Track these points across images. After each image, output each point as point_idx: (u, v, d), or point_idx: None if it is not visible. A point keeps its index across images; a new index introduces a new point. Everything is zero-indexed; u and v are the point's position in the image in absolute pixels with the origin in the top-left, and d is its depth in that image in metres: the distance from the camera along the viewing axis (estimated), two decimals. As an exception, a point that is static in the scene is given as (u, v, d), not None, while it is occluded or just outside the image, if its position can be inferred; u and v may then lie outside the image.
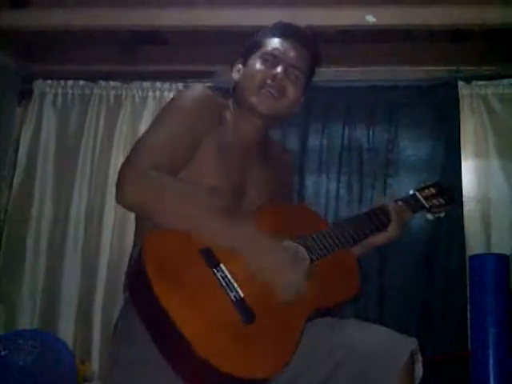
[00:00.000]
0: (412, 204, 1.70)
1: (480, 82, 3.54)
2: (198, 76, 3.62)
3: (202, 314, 1.26)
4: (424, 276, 3.31)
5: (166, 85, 3.74)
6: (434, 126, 3.54)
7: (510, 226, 3.35)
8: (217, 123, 1.54)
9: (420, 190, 1.74)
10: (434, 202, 1.74)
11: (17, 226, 3.67)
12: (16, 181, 3.73)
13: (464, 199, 3.36)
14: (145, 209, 1.38)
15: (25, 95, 3.84)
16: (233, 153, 1.55)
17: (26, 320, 3.47)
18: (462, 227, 3.31)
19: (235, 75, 1.67)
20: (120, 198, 1.38)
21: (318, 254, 1.47)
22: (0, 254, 3.64)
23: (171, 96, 3.33)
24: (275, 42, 1.62)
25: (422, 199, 1.72)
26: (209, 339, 1.22)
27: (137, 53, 3.72)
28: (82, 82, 3.82)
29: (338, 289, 1.47)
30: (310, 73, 1.68)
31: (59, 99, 3.82)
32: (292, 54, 1.61)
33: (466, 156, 3.46)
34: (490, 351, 2.70)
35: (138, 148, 1.45)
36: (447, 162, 3.46)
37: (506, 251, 3.12)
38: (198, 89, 1.60)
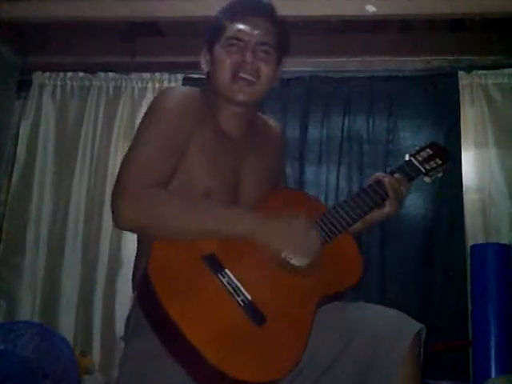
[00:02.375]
0: (408, 172, 1.64)
1: (480, 72, 3.52)
2: (197, 67, 3.60)
3: (210, 322, 1.26)
4: (424, 265, 3.31)
5: (166, 76, 3.73)
6: (434, 116, 3.53)
7: (509, 216, 3.34)
8: (200, 122, 1.51)
9: (415, 154, 1.68)
10: (431, 163, 1.67)
11: (16, 219, 3.67)
12: (15, 173, 3.72)
13: (464, 189, 3.36)
14: (146, 229, 1.37)
15: (23, 87, 3.83)
16: (222, 151, 1.53)
17: (27, 313, 3.47)
18: (463, 217, 3.32)
19: (204, 66, 1.63)
20: (118, 222, 1.36)
21: (325, 238, 1.46)
22: (0, 247, 3.64)
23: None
24: (237, 24, 1.54)
25: (417, 164, 1.65)
26: (218, 346, 1.22)
27: (136, 44, 3.71)
28: (81, 74, 3.81)
29: (343, 274, 1.47)
30: (281, 42, 1.61)
31: (58, 91, 3.81)
32: (256, 31, 1.54)
33: (466, 146, 3.46)
34: (492, 341, 2.71)
35: (126, 167, 1.41)
36: (447, 151, 3.45)
37: (504, 241, 3.13)
38: (176, 91, 1.58)
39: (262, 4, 1.61)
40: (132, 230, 1.43)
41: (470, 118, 3.49)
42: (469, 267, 3.08)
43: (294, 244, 1.39)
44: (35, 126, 3.76)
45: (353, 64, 3.62)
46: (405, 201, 1.63)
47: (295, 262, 1.40)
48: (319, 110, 3.62)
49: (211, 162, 1.50)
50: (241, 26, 1.55)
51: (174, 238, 1.35)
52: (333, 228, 1.48)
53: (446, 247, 3.31)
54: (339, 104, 3.61)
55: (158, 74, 3.75)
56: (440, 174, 1.70)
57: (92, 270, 3.53)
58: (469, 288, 3.08)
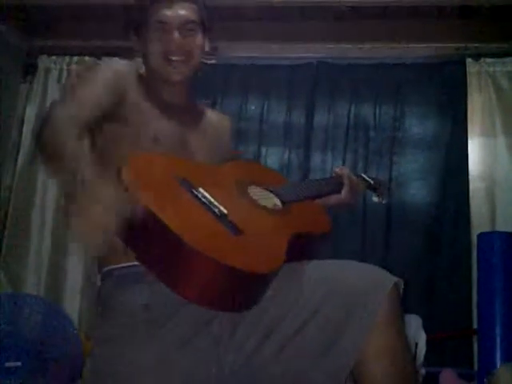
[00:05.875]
0: (362, 181, 1.86)
1: (488, 60, 3.50)
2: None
3: (191, 219, 1.26)
4: (429, 253, 3.32)
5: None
6: (440, 103, 3.52)
7: (516, 205, 3.33)
8: (137, 90, 1.53)
9: (364, 174, 1.94)
10: (377, 186, 1.95)
11: (22, 203, 3.68)
12: (21, 158, 3.72)
13: (470, 177, 3.35)
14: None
15: (29, 71, 3.82)
16: (165, 112, 1.56)
17: (32, 296, 3.49)
18: (468, 205, 3.31)
19: (136, 47, 1.64)
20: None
21: (288, 198, 1.52)
22: (5, 231, 3.65)
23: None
24: (161, 8, 1.56)
25: (368, 179, 1.90)
26: (203, 237, 1.22)
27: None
28: (86, 58, 3.80)
29: (313, 221, 1.54)
30: (204, 17, 1.63)
31: (64, 75, 3.80)
32: (179, 11, 1.57)
33: (473, 134, 3.44)
34: (497, 329, 2.70)
35: (53, 108, 1.40)
36: (453, 139, 3.45)
37: (510, 229, 3.11)
38: (115, 61, 1.59)
39: None
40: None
41: (477, 105, 3.47)
42: (474, 255, 3.08)
43: None
44: (41, 110, 3.75)
45: (360, 51, 3.60)
46: (359, 196, 1.87)
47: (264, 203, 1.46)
48: (326, 97, 3.61)
49: (155, 116, 1.53)
50: (165, 10, 1.56)
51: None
52: (295, 194, 1.56)
53: (452, 236, 3.31)
54: (346, 91, 3.60)
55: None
56: (384, 201, 2.01)
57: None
58: (473, 276, 3.08)
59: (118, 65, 1.56)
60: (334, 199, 1.68)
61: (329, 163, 3.55)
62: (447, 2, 3.28)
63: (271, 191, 1.52)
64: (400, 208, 3.41)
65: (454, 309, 3.19)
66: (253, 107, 3.65)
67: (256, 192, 1.49)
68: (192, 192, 1.33)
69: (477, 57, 3.50)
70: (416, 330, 2.83)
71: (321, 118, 3.60)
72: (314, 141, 3.58)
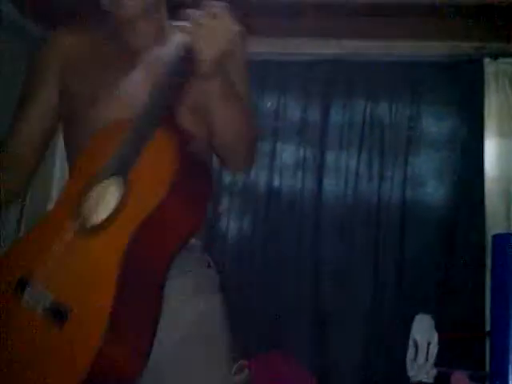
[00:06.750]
0: None
1: (506, 60, 3.47)
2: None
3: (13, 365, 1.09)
4: (444, 254, 3.30)
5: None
6: (457, 103, 3.50)
7: (531, 206, 3.31)
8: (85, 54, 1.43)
9: None
10: None
11: (38, 189, 3.66)
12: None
13: (486, 178, 3.33)
14: None
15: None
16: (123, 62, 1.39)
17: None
18: (483, 206, 3.29)
19: None
20: None
21: (125, 167, 1.13)
22: (21, 225, 3.65)
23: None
24: None
25: None
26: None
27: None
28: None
29: (160, 178, 1.10)
30: None
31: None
32: None
33: (489, 134, 3.41)
34: (510, 332, 2.68)
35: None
36: (469, 140, 3.42)
37: (525, 231, 3.10)
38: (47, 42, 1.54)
39: None
40: None
41: (494, 106, 3.44)
42: (488, 257, 3.06)
43: None
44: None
45: (377, 48, 3.58)
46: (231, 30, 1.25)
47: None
48: (341, 95, 3.60)
49: (97, 73, 1.39)
50: None
51: None
52: (133, 151, 1.14)
53: (467, 236, 3.29)
54: (362, 89, 3.58)
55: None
56: None
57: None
58: (487, 278, 3.06)
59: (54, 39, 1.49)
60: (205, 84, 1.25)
61: (343, 161, 3.54)
62: (465, 0, 3.25)
63: (109, 174, 1.15)
64: (415, 208, 3.40)
65: (467, 310, 3.17)
66: (268, 104, 3.64)
67: (92, 201, 1.15)
68: (22, 299, 1.12)
69: (495, 56, 3.48)
70: (428, 330, 2.83)
71: (336, 116, 3.59)
72: (329, 139, 3.57)
